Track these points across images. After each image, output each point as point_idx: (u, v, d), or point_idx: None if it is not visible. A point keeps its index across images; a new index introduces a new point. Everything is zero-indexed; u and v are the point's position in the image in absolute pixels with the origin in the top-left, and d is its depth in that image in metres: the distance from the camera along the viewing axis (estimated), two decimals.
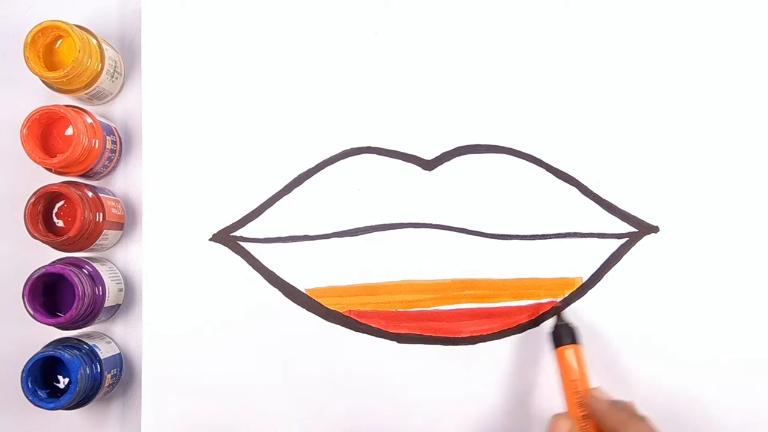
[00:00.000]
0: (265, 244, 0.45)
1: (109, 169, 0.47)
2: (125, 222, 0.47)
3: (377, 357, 0.45)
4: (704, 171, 0.45)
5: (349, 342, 0.45)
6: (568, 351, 0.42)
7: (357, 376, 0.45)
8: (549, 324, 0.44)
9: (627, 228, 0.45)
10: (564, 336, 0.43)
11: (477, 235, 0.45)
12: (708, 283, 0.45)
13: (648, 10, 0.46)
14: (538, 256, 0.45)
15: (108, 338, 0.46)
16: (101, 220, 0.44)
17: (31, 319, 0.42)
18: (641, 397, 0.44)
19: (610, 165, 0.45)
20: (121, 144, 0.47)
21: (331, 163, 0.46)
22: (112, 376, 0.45)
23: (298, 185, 0.45)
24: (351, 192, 0.45)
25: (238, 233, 0.45)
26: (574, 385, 0.42)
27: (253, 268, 0.45)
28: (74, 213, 0.43)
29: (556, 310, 0.44)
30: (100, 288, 0.44)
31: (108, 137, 0.45)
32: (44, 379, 0.43)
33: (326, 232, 0.45)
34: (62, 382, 0.44)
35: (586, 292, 0.45)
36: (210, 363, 0.45)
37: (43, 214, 0.44)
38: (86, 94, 0.45)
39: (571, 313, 0.44)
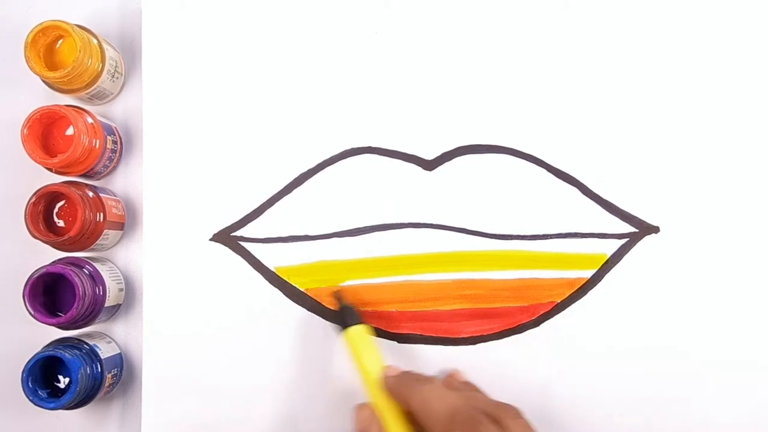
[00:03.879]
0: (265, 244, 0.45)
1: (109, 169, 0.47)
2: (125, 222, 0.47)
3: None
4: (704, 171, 0.45)
5: None
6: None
7: (357, 377, 0.45)
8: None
9: (627, 228, 0.45)
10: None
11: (477, 235, 0.45)
12: (708, 283, 0.45)
13: (648, 11, 0.46)
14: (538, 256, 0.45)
15: (108, 338, 0.46)
16: (102, 220, 0.44)
17: (32, 318, 0.42)
18: (640, 397, 0.44)
19: (611, 165, 0.45)
20: (121, 144, 0.47)
21: (332, 163, 0.46)
22: (112, 376, 0.45)
23: (299, 185, 0.45)
24: (351, 192, 0.45)
25: (238, 233, 0.45)
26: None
27: (254, 268, 0.45)
28: (75, 213, 0.43)
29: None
30: (101, 288, 0.44)
31: (108, 137, 0.45)
32: (45, 378, 0.43)
33: (326, 232, 0.45)
34: (62, 381, 0.44)
35: (586, 292, 0.45)
36: (210, 363, 0.45)
37: (44, 214, 0.44)
38: (87, 94, 0.45)
39: (571, 313, 0.45)
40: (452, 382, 0.43)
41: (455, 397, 0.37)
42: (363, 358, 0.42)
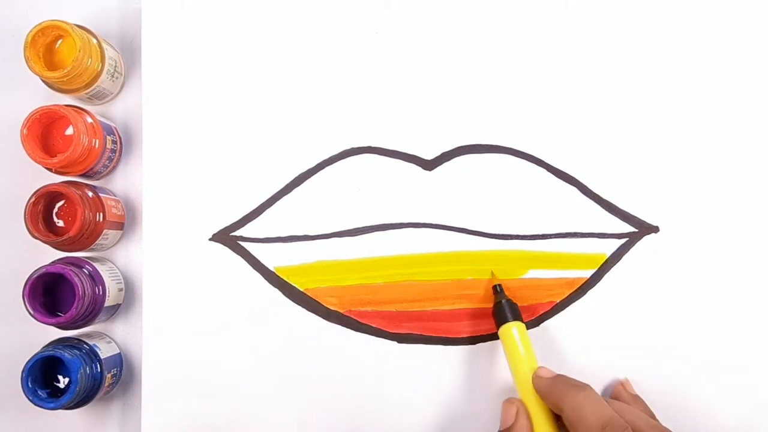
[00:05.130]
0: (265, 244, 0.45)
1: (109, 168, 0.47)
2: (125, 222, 0.47)
3: (377, 357, 0.45)
4: (704, 171, 0.45)
5: (349, 342, 0.45)
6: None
7: (357, 376, 0.45)
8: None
9: (627, 228, 0.45)
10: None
11: (477, 235, 0.45)
12: (708, 283, 0.45)
13: (648, 11, 0.46)
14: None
15: (108, 338, 0.46)
16: (101, 219, 0.44)
17: (31, 318, 0.42)
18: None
19: (610, 165, 0.45)
20: (121, 144, 0.47)
21: (331, 163, 0.46)
22: (112, 376, 0.45)
23: (298, 185, 0.45)
24: (351, 192, 0.45)
25: (238, 233, 0.45)
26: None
27: (253, 268, 0.45)
28: (74, 213, 0.43)
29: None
30: (101, 288, 0.44)
31: (108, 137, 0.45)
32: (44, 378, 0.43)
33: (326, 232, 0.45)
34: (62, 381, 0.44)
35: (585, 292, 0.45)
36: (210, 363, 0.45)
37: (44, 214, 0.44)
38: (86, 93, 0.45)
39: (570, 313, 0.45)
40: (622, 392, 0.43)
41: (609, 410, 0.37)
42: (518, 355, 0.41)
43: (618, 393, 0.43)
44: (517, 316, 0.42)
